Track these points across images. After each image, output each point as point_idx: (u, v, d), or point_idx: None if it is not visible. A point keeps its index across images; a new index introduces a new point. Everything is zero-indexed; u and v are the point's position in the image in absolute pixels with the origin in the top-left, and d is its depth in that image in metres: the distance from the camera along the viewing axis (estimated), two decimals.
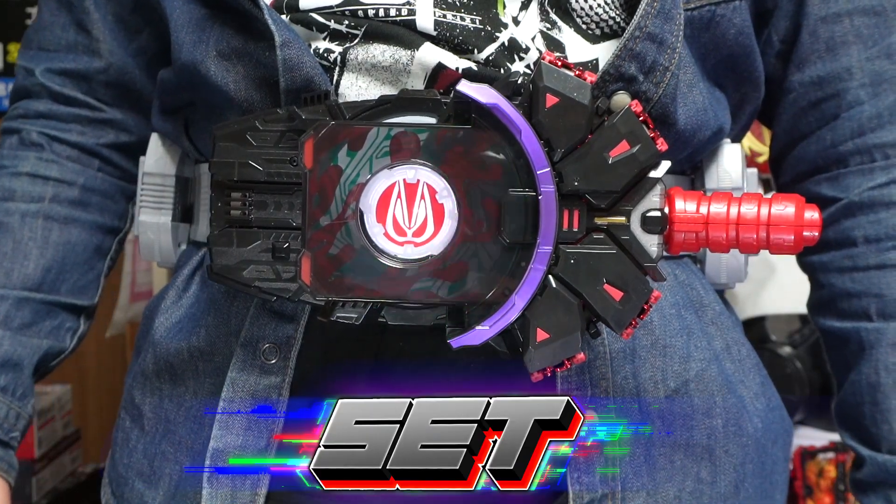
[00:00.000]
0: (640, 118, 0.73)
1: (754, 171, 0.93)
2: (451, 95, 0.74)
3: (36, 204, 0.95)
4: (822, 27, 0.90)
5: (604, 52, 0.83)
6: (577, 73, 0.73)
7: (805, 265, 0.95)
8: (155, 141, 0.96)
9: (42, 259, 0.94)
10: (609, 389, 0.84)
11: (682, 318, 0.87)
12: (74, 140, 0.97)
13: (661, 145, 0.73)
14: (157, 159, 0.96)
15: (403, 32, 0.82)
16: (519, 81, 0.75)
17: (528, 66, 0.82)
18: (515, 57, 0.82)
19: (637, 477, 0.84)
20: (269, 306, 0.85)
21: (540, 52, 0.82)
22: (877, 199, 0.89)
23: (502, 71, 0.81)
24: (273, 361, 0.85)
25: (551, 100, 0.72)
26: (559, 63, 0.73)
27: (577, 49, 0.83)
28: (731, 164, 0.91)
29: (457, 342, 0.73)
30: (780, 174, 0.96)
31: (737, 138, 0.95)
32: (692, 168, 0.92)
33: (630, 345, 0.85)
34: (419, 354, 0.83)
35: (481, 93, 0.72)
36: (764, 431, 0.90)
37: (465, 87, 0.72)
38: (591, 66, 0.83)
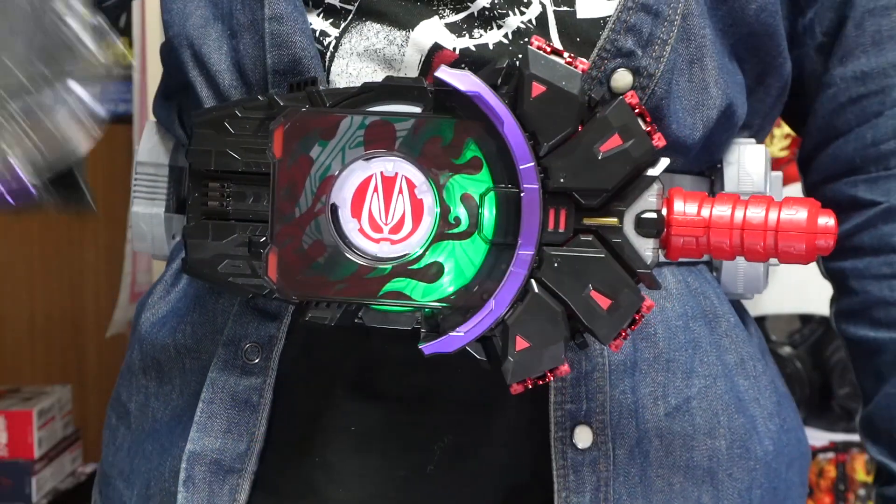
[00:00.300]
0: (636, 111, 0.67)
1: (779, 174, 0.87)
2: (432, 82, 0.70)
3: None
4: (869, 20, 0.85)
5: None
6: (568, 60, 0.68)
7: (833, 270, 0.89)
8: (149, 129, 0.93)
9: None
10: (606, 404, 0.79)
11: (689, 331, 0.82)
12: None
13: (658, 141, 0.68)
14: (150, 148, 0.92)
15: (398, 9, 0.78)
16: (505, 66, 0.70)
17: (528, 22, 0.77)
18: (515, 10, 0.77)
19: (632, 499, 0.79)
20: (253, 304, 0.81)
21: (543, 5, 0.77)
22: None
23: (504, 21, 0.76)
24: (255, 361, 0.81)
25: (537, 89, 0.66)
26: (548, 49, 0.68)
27: (589, 4, 0.78)
28: (754, 165, 0.85)
29: (429, 349, 0.69)
30: (808, 173, 0.90)
31: (759, 136, 0.89)
32: (710, 168, 0.86)
33: (631, 357, 0.80)
34: (405, 361, 0.78)
35: (461, 80, 0.67)
36: (776, 454, 0.85)
37: (444, 73, 0.67)
38: (602, 23, 0.77)
